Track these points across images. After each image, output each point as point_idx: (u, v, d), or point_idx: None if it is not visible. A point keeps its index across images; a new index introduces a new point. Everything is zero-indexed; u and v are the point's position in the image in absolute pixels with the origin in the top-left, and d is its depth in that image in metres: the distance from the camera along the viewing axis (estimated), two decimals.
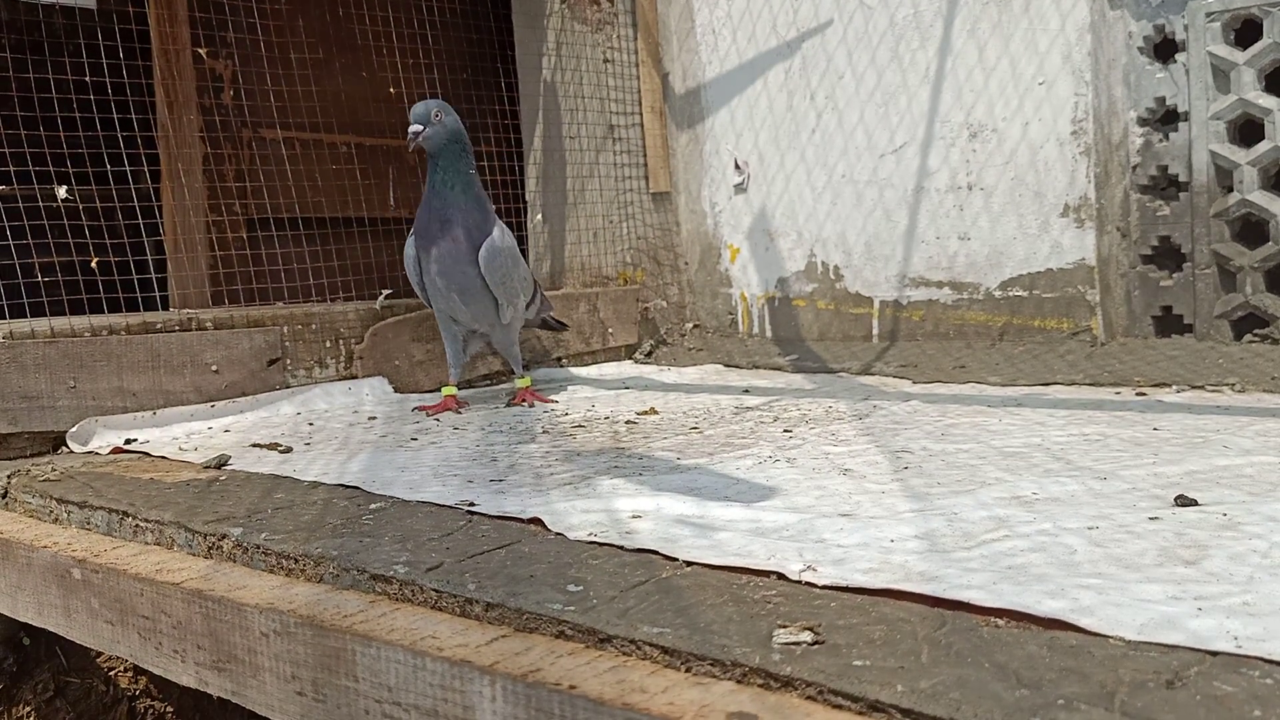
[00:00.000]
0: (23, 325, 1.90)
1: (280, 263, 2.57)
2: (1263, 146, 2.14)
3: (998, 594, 0.84)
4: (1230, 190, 2.18)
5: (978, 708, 0.66)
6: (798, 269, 2.80)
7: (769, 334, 2.89)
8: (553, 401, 2.23)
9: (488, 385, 2.59)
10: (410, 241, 2.12)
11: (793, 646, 0.78)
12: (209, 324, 2.12)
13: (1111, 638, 0.76)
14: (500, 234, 2.09)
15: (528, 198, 3.19)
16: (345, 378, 2.32)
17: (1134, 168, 2.30)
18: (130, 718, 1.96)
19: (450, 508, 1.27)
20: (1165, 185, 2.29)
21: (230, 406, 2.07)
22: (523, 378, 2.26)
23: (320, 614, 0.96)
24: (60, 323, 1.94)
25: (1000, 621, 0.81)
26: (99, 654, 1.93)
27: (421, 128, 1.97)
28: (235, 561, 1.18)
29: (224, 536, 1.20)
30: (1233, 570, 0.89)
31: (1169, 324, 2.28)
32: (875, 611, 0.84)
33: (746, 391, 2.24)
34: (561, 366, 2.78)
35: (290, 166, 2.80)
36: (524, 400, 2.21)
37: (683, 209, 3.04)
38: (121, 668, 1.97)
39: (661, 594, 0.91)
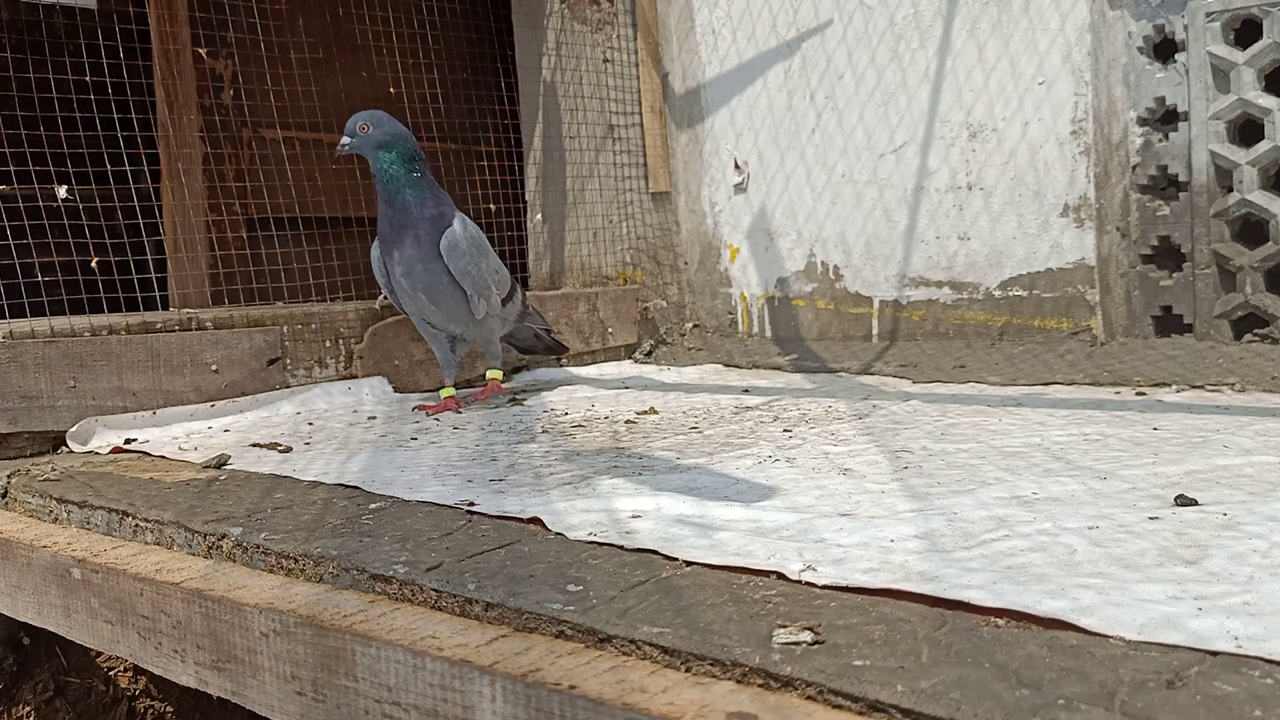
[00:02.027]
0: (23, 325, 1.90)
1: (280, 263, 2.57)
2: (1262, 146, 2.14)
3: (998, 594, 0.84)
4: (1230, 190, 2.18)
5: (978, 708, 0.66)
6: (797, 269, 2.81)
7: (769, 334, 2.89)
8: (519, 399, 2.25)
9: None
10: (375, 246, 2.11)
11: (793, 646, 0.78)
12: (209, 324, 2.12)
13: (1112, 638, 0.76)
14: (461, 224, 2.06)
15: (528, 198, 3.19)
16: (345, 377, 2.32)
17: (1134, 168, 2.30)
18: (130, 718, 1.97)
19: (450, 507, 1.27)
20: (1165, 185, 2.29)
21: (230, 406, 2.07)
22: (496, 370, 2.26)
23: (320, 614, 0.96)
24: (60, 323, 1.94)
25: (1000, 621, 0.81)
26: (99, 654, 1.93)
27: (349, 140, 2.02)
28: (235, 561, 1.18)
29: (224, 536, 1.20)
30: (1233, 570, 0.89)
31: (1169, 324, 2.28)
32: (875, 611, 0.84)
33: (746, 391, 2.24)
34: (561, 366, 2.78)
35: (290, 166, 2.80)
36: (491, 393, 2.20)
37: (682, 209, 3.04)
38: (121, 668, 1.97)
39: (661, 594, 0.91)
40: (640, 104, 3.01)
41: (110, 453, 1.82)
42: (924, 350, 2.49)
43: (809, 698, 0.72)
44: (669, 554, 1.02)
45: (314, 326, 2.28)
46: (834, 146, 2.69)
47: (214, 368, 2.09)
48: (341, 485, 1.43)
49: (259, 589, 1.06)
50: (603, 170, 3.05)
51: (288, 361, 2.23)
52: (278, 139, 2.94)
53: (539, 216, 3.15)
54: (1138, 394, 1.91)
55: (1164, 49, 2.26)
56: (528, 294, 2.60)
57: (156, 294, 2.36)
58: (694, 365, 2.75)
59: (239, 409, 2.08)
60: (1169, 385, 1.96)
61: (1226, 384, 1.91)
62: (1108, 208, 2.32)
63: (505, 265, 2.25)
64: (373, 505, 1.31)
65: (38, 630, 1.70)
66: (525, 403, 2.23)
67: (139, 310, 2.29)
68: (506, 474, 1.46)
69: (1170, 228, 2.26)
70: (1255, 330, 2.16)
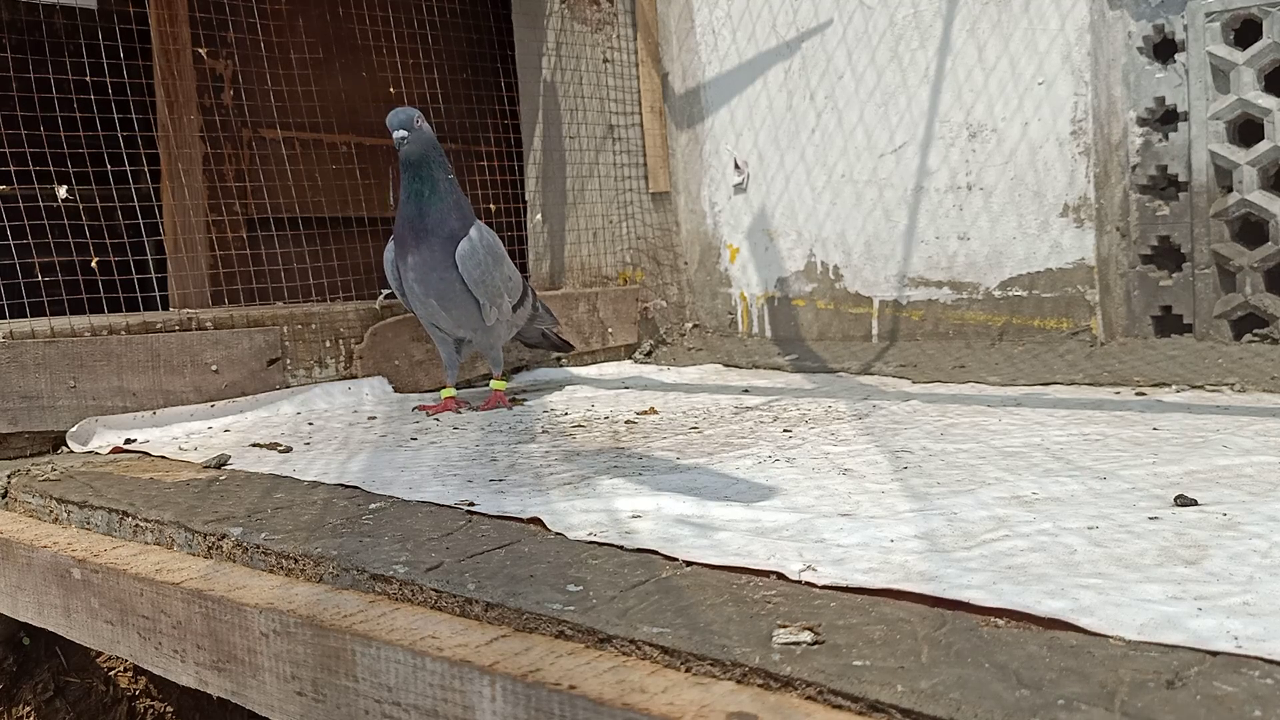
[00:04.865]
0: (23, 325, 1.90)
1: (280, 263, 2.57)
2: (1262, 146, 2.14)
3: (998, 594, 0.84)
4: (1230, 190, 2.18)
5: (978, 708, 0.66)
6: (797, 269, 2.81)
7: (769, 334, 2.89)
8: (519, 399, 2.25)
9: (487, 386, 2.58)
10: (389, 247, 2.09)
11: (793, 646, 0.78)
12: (209, 324, 2.12)
13: (1112, 638, 0.76)
14: (478, 233, 2.04)
15: (528, 198, 3.19)
16: (345, 377, 2.32)
17: (1133, 168, 2.30)
18: (130, 718, 1.96)
19: (450, 507, 1.27)
20: (1165, 185, 2.29)
21: (230, 406, 2.07)
22: (500, 380, 2.24)
23: (320, 614, 0.96)
24: (60, 323, 1.94)
25: (1000, 621, 0.81)
26: (99, 654, 1.93)
27: (406, 133, 1.93)
28: (235, 561, 1.18)
29: (224, 536, 1.20)
30: (1233, 570, 0.89)
31: (1169, 324, 2.28)
32: (875, 611, 0.84)
33: (746, 391, 2.24)
34: (561, 366, 2.78)
35: (290, 166, 2.80)
36: (494, 404, 2.18)
37: (682, 209, 3.04)
38: (121, 668, 1.97)
39: (661, 594, 0.91)
40: (640, 104, 3.01)
41: (110, 453, 1.82)
42: (924, 350, 2.49)
43: (809, 698, 0.72)
44: (669, 554, 1.02)
45: (314, 326, 2.28)
46: (834, 146, 2.69)
47: (214, 368, 2.09)
48: (342, 485, 1.43)
49: (259, 589, 1.06)
50: (603, 170, 3.05)
51: (288, 361, 2.23)
52: (278, 139, 2.94)
53: (539, 216, 3.15)
54: (1138, 394, 1.91)
55: (1164, 49, 2.26)
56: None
57: (156, 294, 2.36)
58: (694, 365, 2.75)
59: (239, 409, 2.08)
60: (1169, 385, 1.96)
61: (1226, 384, 1.91)
62: (1108, 208, 2.32)
63: None
64: (373, 505, 1.31)
65: (38, 630, 1.70)
66: (525, 403, 2.23)
67: (139, 310, 2.29)
68: (506, 474, 1.46)
69: (1170, 228, 2.26)
70: (1255, 330, 2.16)
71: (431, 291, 2.05)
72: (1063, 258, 2.35)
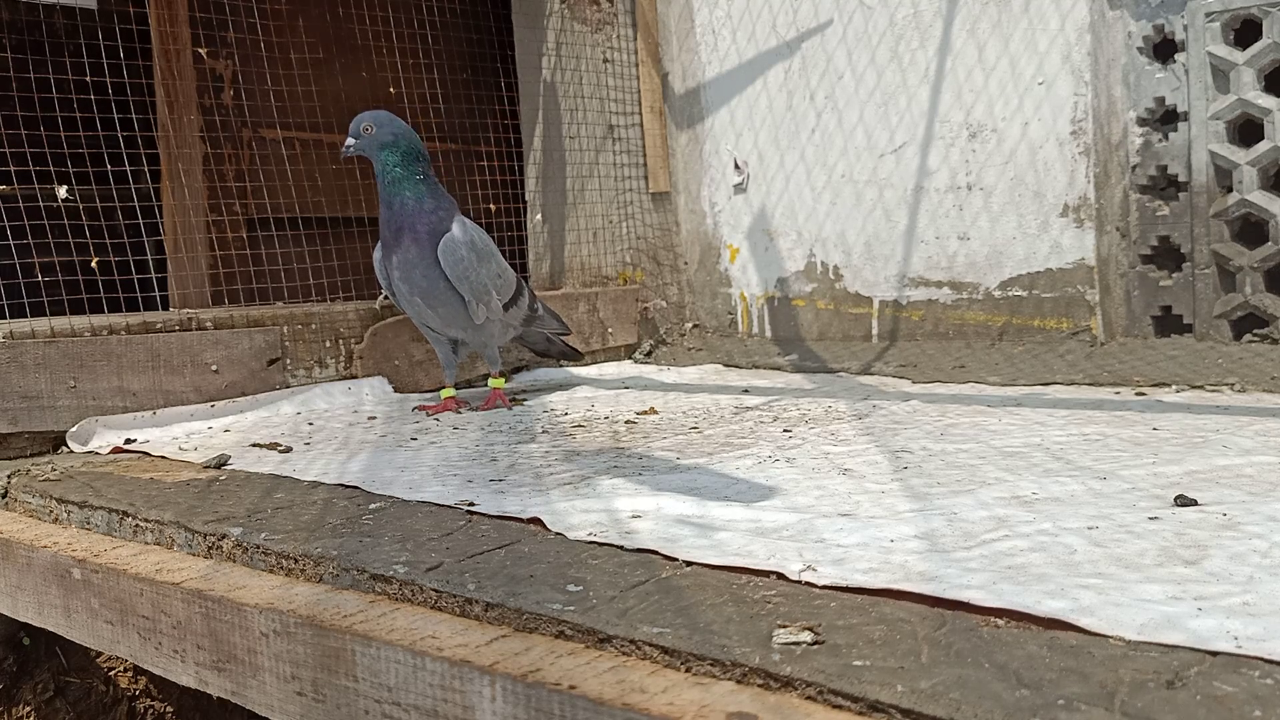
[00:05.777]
0: (23, 325, 1.90)
1: (280, 263, 2.57)
2: (1262, 146, 2.14)
3: (998, 594, 0.84)
4: (1230, 190, 2.18)
5: (978, 708, 0.66)
6: (797, 269, 2.81)
7: (769, 334, 2.89)
8: (519, 399, 2.25)
9: (487, 386, 2.58)
10: (378, 248, 2.10)
11: (793, 646, 0.78)
12: (209, 324, 2.13)
13: (1112, 638, 0.76)
14: (460, 229, 2.03)
15: (528, 198, 3.19)
16: (345, 377, 2.32)
17: (1133, 168, 2.30)
18: (130, 718, 1.96)
19: (450, 508, 1.27)
20: (1165, 185, 2.29)
21: (230, 406, 2.07)
22: (498, 379, 2.23)
23: (320, 614, 0.96)
24: (60, 323, 1.94)
25: (1000, 621, 0.81)
26: (99, 654, 1.93)
27: (353, 141, 2.01)
28: (235, 561, 1.18)
29: (224, 536, 1.20)
30: (1233, 570, 0.89)
31: (1169, 324, 2.28)
32: (875, 611, 0.84)
33: (746, 391, 2.24)
34: (561, 366, 2.77)
35: (290, 166, 2.80)
36: (494, 404, 2.19)
37: (682, 209, 3.04)
38: (121, 668, 1.97)
39: (661, 594, 0.91)
40: (640, 104, 3.01)
41: (110, 453, 1.82)
42: (924, 350, 2.49)
43: (809, 698, 0.72)
44: (669, 554, 1.02)
45: (314, 326, 2.28)
46: (834, 146, 2.69)
47: (214, 368, 2.09)
48: (342, 485, 1.43)
49: (259, 589, 1.06)
50: (603, 170, 3.05)
51: (288, 361, 2.23)
52: (278, 139, 2.94)
53: (539, 216, 3.15)
54: (1138, 394, 1.91)
55: (1164, 49, 2.26)
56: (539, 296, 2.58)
57: (156, 294, 2.36)
58: (694, 365, 2.75)
59: (239, 409, 2.08)
60: (1169, 385, 1.96)
61: (1226, 384, 1.91)
62: (1107, 208, 2.32)
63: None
64: (373, 505, 1.31)
65: (38, 630, 1.70)
66: (525, 403, 2.23)
67: (139, 310, 2.29)
68: (506, 474, 1.46)
69: (1170, 228, 2.26)
70: (1255, 330, 2.16)
71: (416, 290, 2.05)
72: (1063, 258, 2.35)
